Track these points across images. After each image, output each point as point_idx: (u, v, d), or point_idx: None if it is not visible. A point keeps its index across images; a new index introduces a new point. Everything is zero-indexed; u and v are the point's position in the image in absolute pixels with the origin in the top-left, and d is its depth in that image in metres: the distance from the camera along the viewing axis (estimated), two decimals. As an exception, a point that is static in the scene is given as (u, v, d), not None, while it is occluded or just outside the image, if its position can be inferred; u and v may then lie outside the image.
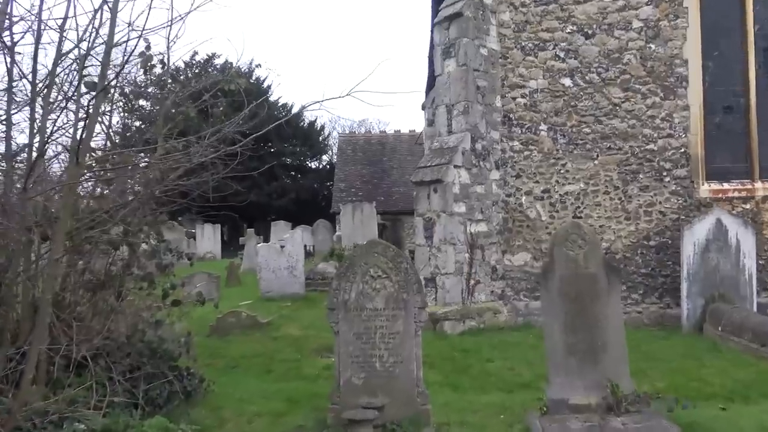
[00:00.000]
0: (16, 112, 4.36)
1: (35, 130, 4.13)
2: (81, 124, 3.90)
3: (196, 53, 34.86)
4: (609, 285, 5.07)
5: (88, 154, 4.52)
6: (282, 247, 11.36)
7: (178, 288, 6.42)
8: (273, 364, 7.79)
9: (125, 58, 4.81)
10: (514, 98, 10.23)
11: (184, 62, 37.19)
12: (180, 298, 6.03)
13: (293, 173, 36.19)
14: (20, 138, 5.50)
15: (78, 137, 3.89)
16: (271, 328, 9.21)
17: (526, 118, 10.20)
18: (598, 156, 10.09)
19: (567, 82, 10.16)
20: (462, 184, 9.57)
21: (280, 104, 36.07)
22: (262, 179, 32.99)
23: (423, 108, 17.35)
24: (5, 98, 4.33)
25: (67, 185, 4.04)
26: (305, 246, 12.48)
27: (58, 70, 4.52)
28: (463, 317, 9.27)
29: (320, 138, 37.15)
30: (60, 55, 4.38)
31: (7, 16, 4.09)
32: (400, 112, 66.86)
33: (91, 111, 4.10)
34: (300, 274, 11.32)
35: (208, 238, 27.06)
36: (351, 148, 29.40)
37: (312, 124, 36.37)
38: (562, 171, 10.13)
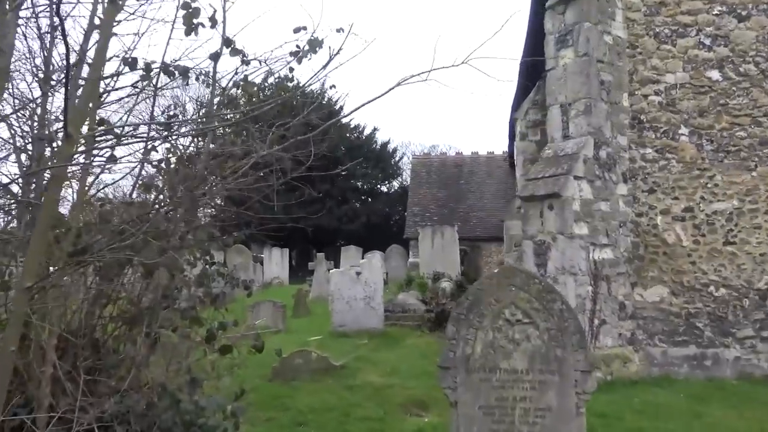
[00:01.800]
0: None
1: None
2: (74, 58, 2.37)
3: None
4: None
5: (89, 123, 3.00)
6: (358, 273, 9.75)
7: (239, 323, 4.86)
8: (349, 424, 6.09)
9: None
10: (645, 96, 8.30)
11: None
12: (231, 342, 4.43)
13: (364, 197, 34.85)
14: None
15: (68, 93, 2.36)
16: (346, 373, 7.52)
17: (662, 120, 8.24)
18: (756, 166, 7.99)
19: (714, 75, 8.15)
20: (583, 199, 7.69)
21: (352, 125, 34.98)
22: (332, 202, 31.85)
23: (511, 122, 15.55)
24: None
25: (55, 172, 2.52)
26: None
27: None
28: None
29: (392, 161, 35.73)
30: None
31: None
32: (474, 135, 64.89)
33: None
34: (378, 306, 9.66)
35: (276, 263, 25.92)
36: (425, 171, 27.81)
37: (384, 146, 35.00)
38: (709, 185, 8.07)
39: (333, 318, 9.74)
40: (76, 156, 2.70)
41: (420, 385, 7.14)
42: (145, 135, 3.94)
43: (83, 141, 2.85)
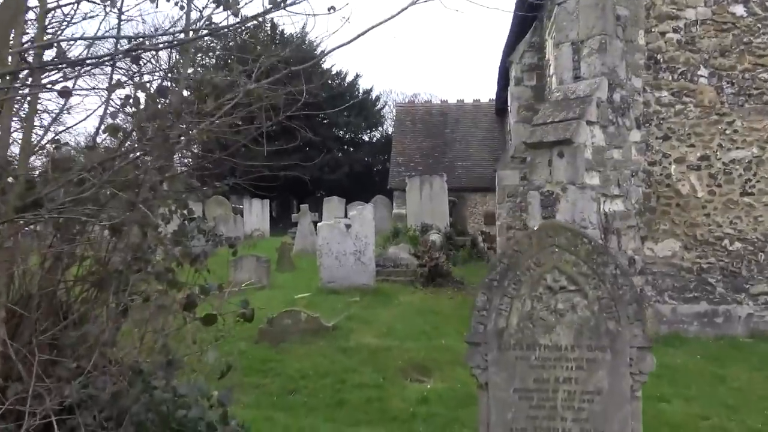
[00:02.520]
0: None
1: None
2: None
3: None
4: None
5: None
6: (348, 227, 9.13)
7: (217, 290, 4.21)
8: (345, 391, 5.59)
9: None
10: (663, 33, 7.62)
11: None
12: (217, 309, 3.79)
13: (346, 146, 33.93)
14: None
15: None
16: (339, 334, 6.98)
17: (680, 60, 7.59)
18: (780, 111, 7.43)
19: (739, 10, 7.48)
20: (595, 147, 7.09)
21: (334, 71, 33.77)
22: (313, 152, 30.93)
23: (502, 66, 14.75)
24: None
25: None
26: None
27: None
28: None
29: (375, 109, 34.64)
30: None
31: None
32: (458, 83, 63.46)
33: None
34: (370, 261, 9.08)
35: (257, 215, 25.19)
36: (410, 119, 26.96)
37: (367, 93, 33.86)
38: (727, 131, 7.51)
39: (321, 274, 9.15)
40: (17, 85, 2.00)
41: (419, 347, 6.63)
42: (109, 60, 3.19)
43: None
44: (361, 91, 33.96)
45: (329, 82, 32.85)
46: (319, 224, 9.42)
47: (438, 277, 10.18)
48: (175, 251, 3.67)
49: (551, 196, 7.09)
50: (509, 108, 14.31)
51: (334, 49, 3.12)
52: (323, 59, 32.75)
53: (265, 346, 6.79)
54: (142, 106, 3.52)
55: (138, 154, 3.43)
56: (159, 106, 3.40)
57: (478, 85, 58.65)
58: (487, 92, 47.31)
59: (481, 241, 17.22)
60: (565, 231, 2.99)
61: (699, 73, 7.52)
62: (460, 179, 23.87)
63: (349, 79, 34.14)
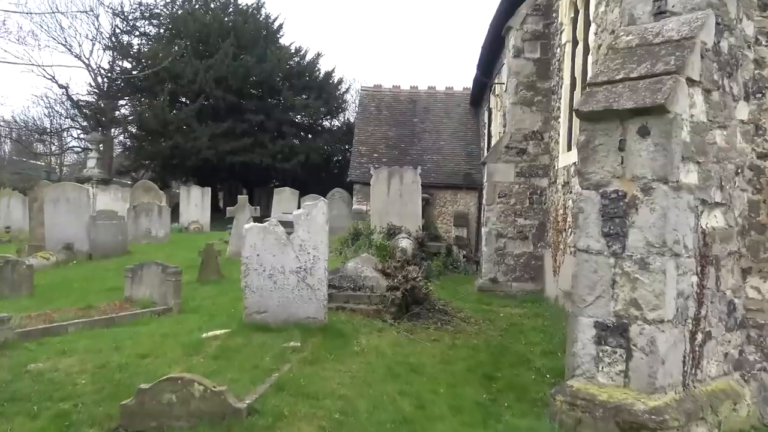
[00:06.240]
0: None
1: None
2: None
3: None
4: None
5: None
6: (288, 233, 6.18)
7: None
8: None
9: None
10: (789, -47, 4.90)
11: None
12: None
13: (303, 133, 30.67)
14: None
15: None
16: (257, 427, 4.01)
17: (814, -3, 4.89)
18: None
19: None
20: (695, 123, 4.32)
21: (292, 49, 30.43)
22: (266, 137, 27.67)
23: (500, 33, 11.92)
24: None
25: None
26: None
27: None
28: (688, 421, 4.09)
29: (337, 93, 31.43)
30: None
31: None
32: (427, 72, 60.40)
33: None
34: (319, 284, 6.12)
35: (195, 204, 21.83)
36: (375, 105, 24.07)
37: (328, 75, 30.58)
38: None
39: (247, 300, 6.14)
40: None
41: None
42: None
43: None
44: (322, 72, 30.78)
45: (287, 60, 29.58)
46: (246, 226, 6.38)
47: (414, 303, 7.31)
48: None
49: (622, 200, 4.27)
50: (505, 86, 11.52)
51: None
52: (281, 33, 29.54)
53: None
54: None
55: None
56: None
57: (451, 74, 55.62)
58: (461, 81, 44.67)
59: (456, 249, 14.45)
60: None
61: (843, 18, 4.84)
62: (428, 174, 21.01)
63: (309, 57, 30.89)
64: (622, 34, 4.80)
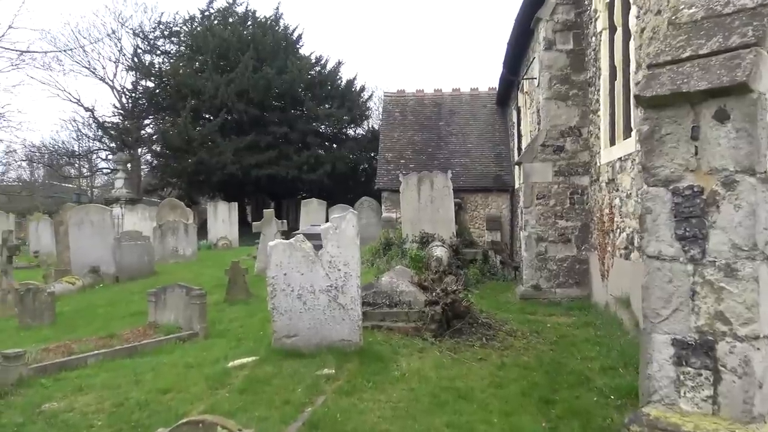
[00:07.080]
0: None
1: None
2: None
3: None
4: None
5: None
6: (316, 246, 5.70)
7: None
8: None
9: None
10: None
11: (200, 10, 31.68)
12: None
13: (328, 143, 30.31)
14: None
15: None
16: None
17: None
18: None
19: None
20: (780, 102, 3.71)
21: (313, 58, 30.15)
22: (290, 148, 27.39)
23: (529, 26, 11.35)
24: None
25: None
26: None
27: None
28: (793, 453, 3.46)
29: (360, 101, 31.01)
30: None
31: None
32: (455, 75, 59.77)
33: None
34: (353, 304, 5.62)
35: (223, 220, 21.60)
36: (399, 110, 23.59)
37: (350, 83, 30.20)
38: None
39: (275, 324, 5.67)
40: None
41: None
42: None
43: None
44: (344, 81, 30.41)
45: (308, 70, 29.30)
46: (270, 243, 5.91)
47: (455, 318, 6.75)
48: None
49: (698, 197, 3.67)
50: (537, 81, 10.92)
51: None
52: (300, 44, 29.33)
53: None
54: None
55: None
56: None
57: (475, 75, 54.90)
58: (486, 81, 43.96)
59: (493, 255, 13.80)
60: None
61: None
62: (458, 178, 20.48)
63: (330, 66, 30.58)
64: (683, 6, 4.20)
